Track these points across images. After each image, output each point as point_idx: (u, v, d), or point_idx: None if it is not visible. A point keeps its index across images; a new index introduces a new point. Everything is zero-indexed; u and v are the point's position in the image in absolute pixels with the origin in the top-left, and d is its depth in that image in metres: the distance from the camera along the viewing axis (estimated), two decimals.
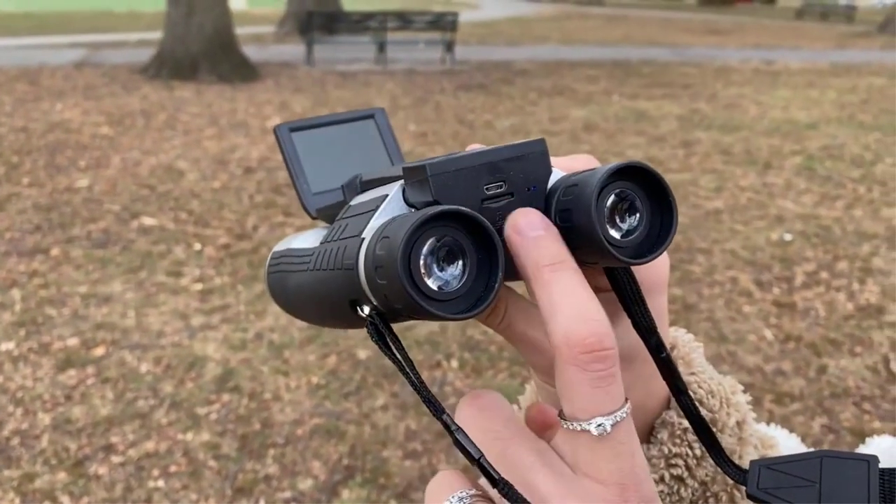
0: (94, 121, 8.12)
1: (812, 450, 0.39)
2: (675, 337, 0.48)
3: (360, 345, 3.55)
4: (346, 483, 2.66)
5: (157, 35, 13.09)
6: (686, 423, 0.45)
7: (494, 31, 21.50)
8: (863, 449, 0.52)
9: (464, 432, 0.32)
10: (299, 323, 3.76)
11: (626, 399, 0.31)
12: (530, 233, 0.33)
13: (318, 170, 0.44)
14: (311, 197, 0.43)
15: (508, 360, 3.36)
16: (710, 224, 5.29)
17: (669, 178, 6.35)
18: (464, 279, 0.32)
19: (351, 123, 0.45)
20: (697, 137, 8.01)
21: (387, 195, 0.35)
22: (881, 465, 0.36)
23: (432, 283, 0.31)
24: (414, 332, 3.66)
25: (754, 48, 17.69)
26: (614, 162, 0.34)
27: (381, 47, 13.05)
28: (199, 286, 4.16)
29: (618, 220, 0.35)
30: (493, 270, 0.32)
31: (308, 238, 0.42)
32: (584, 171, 0.35)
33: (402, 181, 0.35)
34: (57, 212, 5.24)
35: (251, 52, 12.43)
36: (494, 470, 0.31)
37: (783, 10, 37.26)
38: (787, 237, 5.06)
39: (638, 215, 0.35)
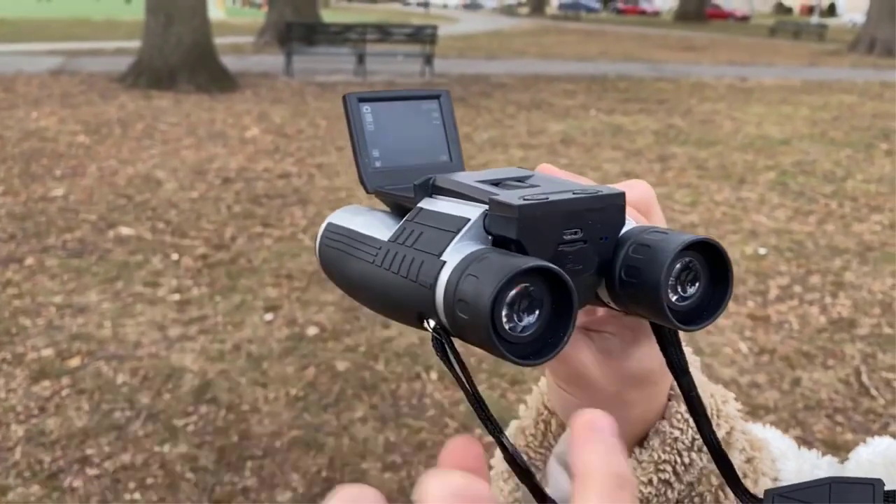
0: (71, 129, 8.04)
1: (822, 476, 0.41)
2: None
3: (339, 357, 3.54)
4: (324, 495, 2.64)
5: (134, 44, 13.01)
6: (676, 434, 0.47)
7: (473, 45, 21.65)
8: (861, 450, 0.55)
9: (519, 453, 0.33)
10: (277, 334, 3.75)
11: None
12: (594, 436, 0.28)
13: (380, 145, 0.44)
14: (370, 172, 0.43)
15: (487, 372, 3.38)
16: None
17: None
18: (536, 326, 0.33)
19: (418, 101, 0.46)
20: (673, 152, 8.12)
21: (468, 220, 0.36)
22: (886, 487, 0.39)
23: (508, 327, 0.32)
24: (393, 344, 3.66)
25: (728, 64, 17.98)
26: (687, 235, 0.36)
27: (361, 59, 13.08)
28: (176, 297, 4.13)
29: (679, 288, 0.37)
30: (565, 323, 0.33)
31: (371, 222, 0.42)
32: (655, 231, 0.37)
33: (484, 208, 0.36)
34: (32, 221, 5.18)
35: (230, 62, 12.40)
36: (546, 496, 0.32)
37: (757, 28, 37.92)
38: (762, 251, 5.14)
39: (698, 285, 0.37)
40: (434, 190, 0.40)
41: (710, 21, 44.20)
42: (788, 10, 67.54)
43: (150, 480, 2.69)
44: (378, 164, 0.43)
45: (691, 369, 0.47)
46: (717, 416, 0.49)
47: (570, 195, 0.35)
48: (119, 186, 6.08)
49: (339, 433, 2.97)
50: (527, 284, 0.32)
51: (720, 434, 0.48)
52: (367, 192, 0.43)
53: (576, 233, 0.36)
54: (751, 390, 3.37)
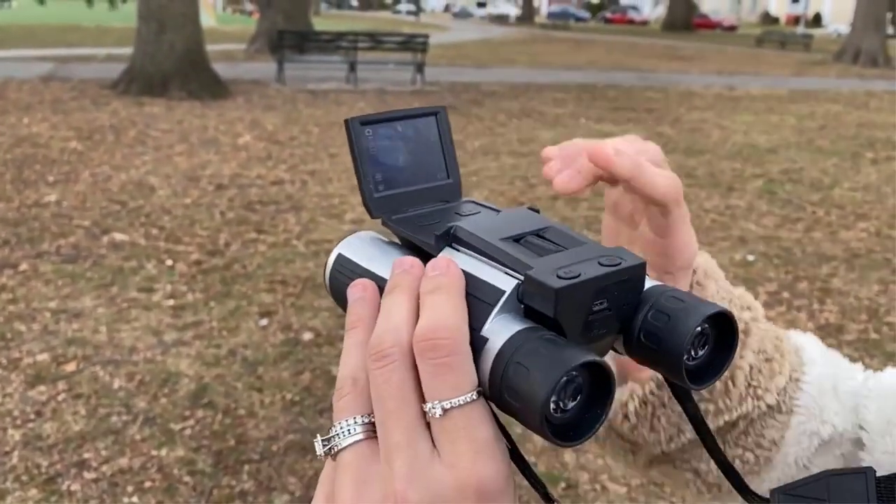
0: (63, 135, 8.05)
1: (819, 471, 0.46)
2: (697, 262, 0.56)
3: (334, 362, 3.57)
4: None
5: (125, 50, 13.02)
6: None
7: (463, 54, 21.75)
8: (883, 374, 0.61)
9: None
10: (272, 339, 3.77)
11: (473, 389, 0.35)
12: (431, 272, 0.38)
13: (382, 168, 0.45)
14: (374, 197, 0.44)
15: None
16: None
17: None
18: (576, 409, 0.36)
19: (416, 120, 0.47)
20: None
21: (503, 292, 0.37)
22: (879, 473, 0.44)
23: (551, 411, 0.34)
24: None
25: (716, 74, 18.15)
26: (705, 305, 0.38)
27: (352, 67, 13.13)
28: (171, 302, 4.15)
29: (691, 350, 0.40)
30: (602, 405, 0.36)
31: (380, 259, 0.43)
32: (673, 297, 0.39)
33: (517, 281, 0.37)
34: (25, 226, 5.18)
35: (221, 69, 12.42)
36: None
37: (743, 37, 38.27)
38: (750, 258, 5.21)
39: (707, 348, 0.40)
40: (455, 240, 0.41)
41: (698, 30, 44.57)
42: (775, 21, 68.17)
43: (147, 484, 2.71)
44: (381, 187, 0.45)
45: (719, 282, 0.55)
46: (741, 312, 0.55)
47: (599, 268, 0.38)
48: (112, 192, 6.09)
49: None
50: (574, 377, 0.35)
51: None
52: (372, 217, 0.45)
53: (603, 303, 0.38)
54: None
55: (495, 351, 0.35)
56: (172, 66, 10.92)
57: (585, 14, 65.54)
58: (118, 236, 5.10)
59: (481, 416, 0.35)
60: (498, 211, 0.45)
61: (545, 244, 0.40)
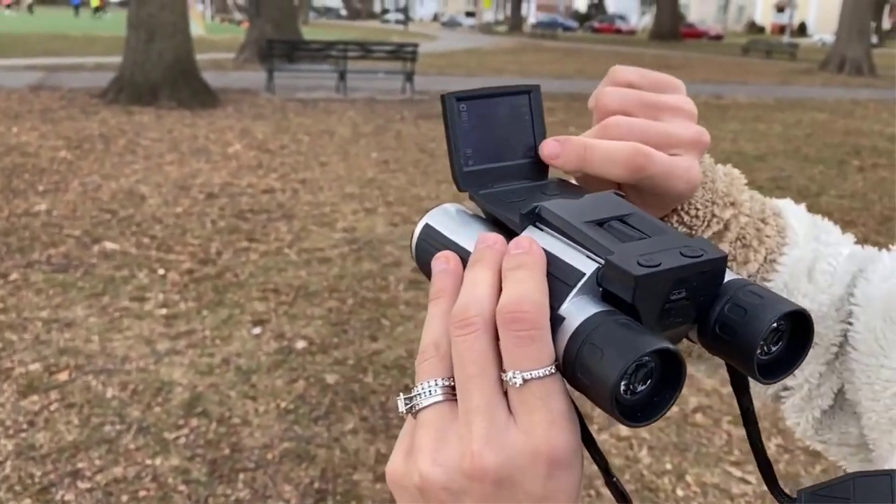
0: (53, 144, 8.02)
1: (847, 473, 0.47)
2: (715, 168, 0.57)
3: (328, 370, 3.58)
4: None
5: (114, 59, 12.99)
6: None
7: (452, 63, 21.84)
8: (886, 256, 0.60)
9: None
10: (266, 348, 3.77)
11: (551, 363, 0.36)
12: (514, 250, 0.39)
13: (473, 144, 0.46)
14: (463, 171, 0.45)
15: None
16: None
17: None
18: (646, 392, 0.36)
19: (510, 97, 0.47)
20: None
21: (583, 274, 0.38)
22: None
23: (622, 392, 0.35)
24: (381, 357, 3.70)
25: (703, 83, 18.29)
26: (783, 303, 0.39)
27: (342, 76, 13.16)
28: (163, 311, 4.14)
29: (765, 346, 0.40)
30: (672, 389, 0.36)
31: (464, 232, 0.44)
32: (752, 293, 0.39)
33: (597, 265, 0.38)
34: (15, 236, 5.16)
35: (211, 78, 12.41)
36: None
37: (730, 47, 38.61)
38: None
39: (781, 343, 0.41)
40: (539, 219, 0.42)
41: (685, 40, 44.91)
42: (761, 30, 68.82)
43: (142, 493, 2.70)
44: (471, 162, 0.46)
45: (744, 194, 0.56)
46: (724, 198, 0.56)
47: (680, 258, 0.38)
48: (103, 201, 6.08)
49: (330, 445, 3.00)
50: (646, 362, 0.35)
51: (725, 215, 0.55)
52: (460, 190, 0.46)
53: (681, 292, 0.38)
54: (732, 400, 3.43)
55: (571, 330, 0.36)
56: (162, 75, 10.91)
57: (573, 23, 65.92)
58: (109, 245, 5.09)
59: (558, 388, 0.36)
60: (583, 191, 0.46)
61: (628, 230, 0.40)
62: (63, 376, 3.43)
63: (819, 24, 63.29)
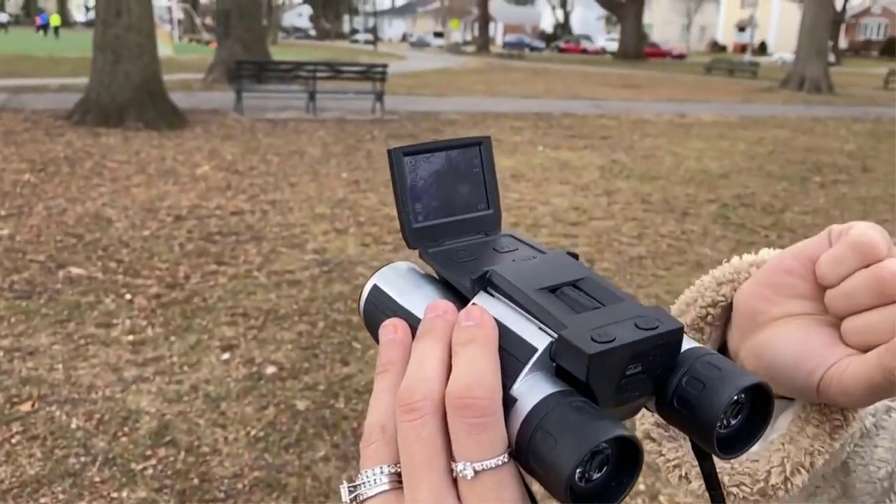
0: (16, 167, 7.88)
1: None
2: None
3: (299, 396, 3.54)
4: None
5: (79, 80, 12.84)
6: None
7: (422, 83, 21.95)
8: None
9: None
10: (235, 374, 3.73)
11: (504, 452, 0.34)
12: (465, 322, 0.37)
13: (422, 199, 0.44)
14: (413, 228, 0.44)
15: None
16: (633, 269, 5.52)
17: (594, 226, 6.64)
18: (602, 479, 0.35)
19: (460, 150, 0.46)
20: (618, 186, 8.37)
21: (535, 349, 0.36)
22: None
23: (576, 480, 0.34)
24: (353, 382, 3.68)
25: (668, 101, 18.61)
26: (743, 375, 0.37)
27: (312, 96, 13.15)
28: (130, 337, 4.07)
29: (724, 419, 0.38)
30: (629, 475, 0.35)
31: (414, 295, 0.43)
32: (709, 364, 0.38)
33: (550, 340, 0.37)
34: None
35: (179, 98, 12.33)
36: None
37: (693, 66, 39.33)
38: None
39: (741, 417, 0.39)
40: (490, 284, 0.40)
41: (649, 59, 45.69)
42: (722, 49, 70.24)
43: None
44: (421, 218, 0.44)
45: None
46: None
47: (635, 331, 0.36)
48: (68, 226, 5.98)
49: (301, 473, 2.97)
50: (602, 449, 0.34)
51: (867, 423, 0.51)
52: (410, 248, 0.44)
53: (637, 367, 0.37)
54: None
55: (524, 414, 0.35)
56: (129, 96, 10.81)
57: (540, 43, 66.70)
58: (74, 270, 5.00)
59: (511, 478, 0.34)
60: (535, 248, 0.44)
61: (581, 298, 0.39)
62: (26, 407, 3.35)
63: (779, 43, 64.77)
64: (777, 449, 0.49)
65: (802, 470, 0.48)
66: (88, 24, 57.19)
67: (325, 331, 4.26)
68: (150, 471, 2.95)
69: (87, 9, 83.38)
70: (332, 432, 3.24)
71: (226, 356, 3.91)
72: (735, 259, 0.57)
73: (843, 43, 56.37)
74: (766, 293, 0.49)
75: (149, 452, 3.06)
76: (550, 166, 9.35)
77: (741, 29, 73.56)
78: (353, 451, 3.10)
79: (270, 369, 3.79)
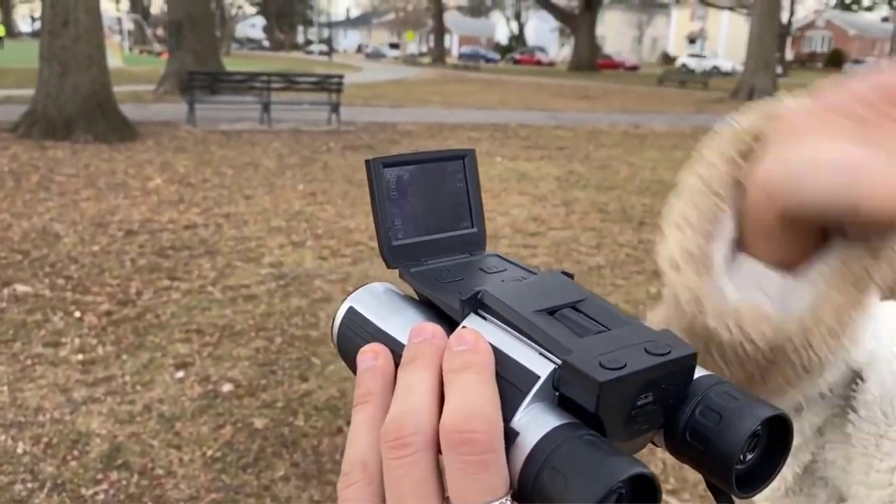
0: None
1: None
2: None
3: (257, 413, 3.46)
4: None
5: (25, 92, 12.51)
6: None
7: (378, 94, 21.92)
8: None
9: None
10: (189, 393, 3.63)
11: (507, 493, 0.31)
12: (457, 346, 0.34)
13: (402, 214, 0.41)
14: (392, 245, 0.41)
15: None
16: (593, 279, 5.56)
17: (553, 236, 6.67)
18: None
19: (443, 163, 0.43)
20: (576, 196, 8.44)
21: (538, 377, 0.33)
22: None
23: None
24: (312, 398, 3.61)
25: (622, 112, 18.90)
26: (762, 406, 0.34)
27: (266, 107, 13.01)
28: (80, 357, 3.94)
29: (741, 455, 0.35)
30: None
31: (395, 318, 0.39)
32: (725, 394, 0.35)
33: (553, 366, 0.33)
34: None
35: (129, 110, 12.08)
36: None
37: (645, 77, 40.07)
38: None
39: (758, 451, 0.36)
40: (482, 306, 0.37)
41: (602, 71, 46.40)
42: (673, 60, 71.82)
43: None
44: (401, 235, 0.41)
45: None
46: None
47: (647, 357, 0.33)
48: (13, 241, 5.78)
49: (260, 494, 2.89)
50: (619, 485, 0.30)
51: None
52: (389, 267, 0.41)
53: (648, 397, 0.34)
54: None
55: (528, 449, 0.31)
56: (77, 108, 10.54)
57: (495, 55, 67.26)
58: (20, 288, 4.83)
59: None
60: (525, 269, 0.41)
61: (584, 321, 0.36)
62: None
63: (729, 55, 66.45)
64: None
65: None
66: (34, 34, 55.91)
67: (282, 346, 4.18)
68: (102, 496, 2.84)
69: (34, 19, 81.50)
70: (292, 451, 3.17)
71: (180, 374, 3.81)
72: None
73: (789, 55, 58.04)
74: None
75: (100, 476, 2.95)
76: (508, 177, 9.39)
77: (692, 41, 75.33)
78: (314, 470, 3.04)
79: (227, 387, 3.70)
